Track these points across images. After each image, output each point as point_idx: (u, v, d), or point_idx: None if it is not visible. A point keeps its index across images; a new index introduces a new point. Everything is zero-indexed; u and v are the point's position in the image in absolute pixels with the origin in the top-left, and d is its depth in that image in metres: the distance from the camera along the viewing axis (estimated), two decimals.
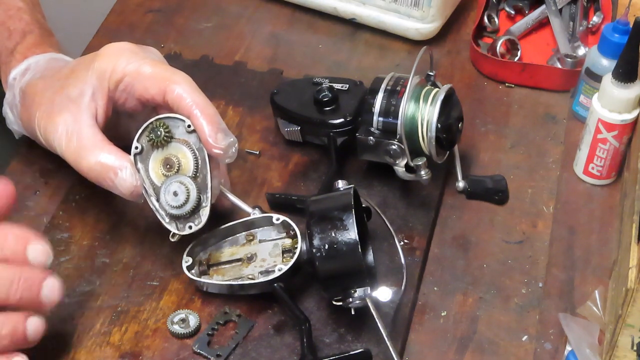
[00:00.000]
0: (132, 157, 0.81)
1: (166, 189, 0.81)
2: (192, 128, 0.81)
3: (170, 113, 0.82)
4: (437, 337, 0.83)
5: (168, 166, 0.81)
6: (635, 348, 0.74)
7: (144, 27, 1.13)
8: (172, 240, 0.82)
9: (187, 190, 0.80)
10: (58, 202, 0.92)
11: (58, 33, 0.99)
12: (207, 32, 1.13)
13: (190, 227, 0.81)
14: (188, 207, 0.80)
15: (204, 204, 0.81)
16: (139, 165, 0.82)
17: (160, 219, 0.82)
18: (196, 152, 0.81)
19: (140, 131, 0.82)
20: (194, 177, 0.81)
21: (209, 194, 0.81)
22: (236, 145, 0.81)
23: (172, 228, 0.82)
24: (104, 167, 0.81)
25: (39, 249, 0.75)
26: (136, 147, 0.82)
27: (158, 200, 0.81)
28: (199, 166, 0.81)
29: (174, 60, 1.07)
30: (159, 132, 0.81)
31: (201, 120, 0.80)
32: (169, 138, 0.81)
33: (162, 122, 0.81)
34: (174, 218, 0.81)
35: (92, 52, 0.86)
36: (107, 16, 1.15)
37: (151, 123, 0.81)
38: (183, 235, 0.82)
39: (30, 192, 0.93)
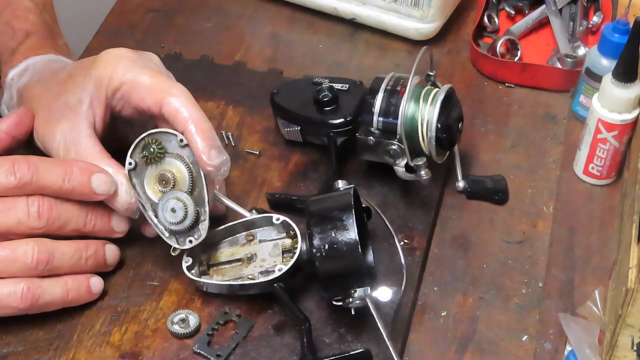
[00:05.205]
0: (126, 172, 0.81)
1: (164, 205, 0.80)
2: (184, 142, 0.80)
3: (162, 127, 0.81)
4: (437, 337, 0.83)
5: (163, 182, 0.81)
6: (635, 348, 0.74)
7: (144, 27, 1.13)
8: (173, 254, 0.82)
9: (185, 206, 0.80)
10: None
11: None
12: (207, 32, 1.13)
13: (190, 242, 0.81)
14: (187, 222, 0.80)
15: (202, 218, 0.81)
16: (134, 180, 0.81)
17: (160, 234, 0.81)
18: (190, 166, 0.81)
19: (132, 147, 0.81)
20: (190, 192, 0.81)
21: (207, 208, 0.81)
22: (228, 164, 0.80)
23: (172, 243, 0.82)
24: None
25: (102, 179, 0.80)
26: (130, 163, 0.81)
27: (156, 215, 0.81)
28: (195, 180, 0.81)
29: (174, 60, 1.07)
30: (151, 149, 0.80)
31: (195, 137, 0.79)
32: (162, 154, 0.81)
33: (153, 138, 0.80)
34: (174, 233, 0.81)
35: (91, 55, 0.86)
36: (107, 16, 1.15)
37: (143, 139, 0.81)
38: (184, 250, 0.82)
39: None
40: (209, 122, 0.80)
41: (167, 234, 0.81)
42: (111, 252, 0.84)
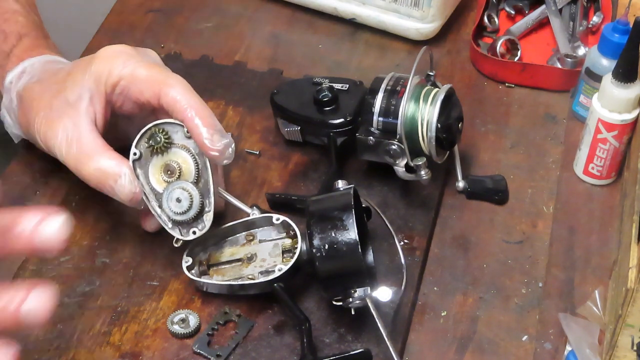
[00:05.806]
0: (130, 163, 0.81)
1: (169, 195, 0.80)
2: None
3: (169, 118, 0.81)
4: (437, 337, 0.83)
5: (169, 172, 0.81)
6: (635, 348, 0.74)
7: (144, 27, 1.13)
8: (176, 245, 0.82)
9: (190, 196, 0.80)
10: (58, 202, 0.92)
11: (58, 33, 0.99)
12: (207, 32, 1.13)
13: (194, 233, 0.81)
14: (192, 213, 0.80)
15: (207, 209, 0.81)
16: (138, 171, 0.81)
17: (163, 225, 0.81)
18: (196, 157, 0.81)
19: (138, 137, 0.81)
20: (196, 183, 0.81)
21: (212, 199, 0.81)
22: (233, 145, 0.80)
23: (175, 234, 0.81)
24: (103, 174, 0.80)
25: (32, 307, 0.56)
26: (135, 153, 0.81)
27: (160, 206, 0.81)
28: (200, 171, 0.81)
29: (174, 60, 1.07)
30: (158, 138, 0.81)
31: (196, 122, 0.79)
32: (168, 144, 0.81)
33: (160, 127, 0.81)
34: (177, 223, 0.81)
35: (91, 54, 0.86)
36: (107, 16, 1.15)
37: (149, 129, 0.81)
38: (186, 241, 0.82)
39: (30, 192, 0.93)
40: (208, 109, 0.80)
41: (170, 225, 0.81)
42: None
